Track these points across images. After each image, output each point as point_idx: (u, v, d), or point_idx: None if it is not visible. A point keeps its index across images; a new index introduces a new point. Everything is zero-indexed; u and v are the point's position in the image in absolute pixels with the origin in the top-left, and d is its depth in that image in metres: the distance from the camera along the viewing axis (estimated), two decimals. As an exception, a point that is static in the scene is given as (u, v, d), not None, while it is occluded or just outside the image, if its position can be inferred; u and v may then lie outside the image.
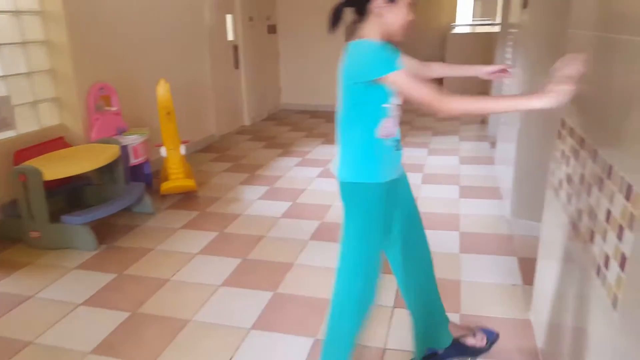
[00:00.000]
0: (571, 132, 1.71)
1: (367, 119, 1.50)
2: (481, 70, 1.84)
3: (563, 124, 1.83)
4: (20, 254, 2.94)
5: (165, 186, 3.72)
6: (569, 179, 1.69)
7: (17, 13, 3.28)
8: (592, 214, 1.39)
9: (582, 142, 1.56)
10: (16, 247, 3.02)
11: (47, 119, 3.55)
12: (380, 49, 1.41)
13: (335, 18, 1.51)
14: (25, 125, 3.36)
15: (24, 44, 3.34)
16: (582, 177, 1.53)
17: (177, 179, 3.74)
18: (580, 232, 1.49)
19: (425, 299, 1.85)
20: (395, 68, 1.35)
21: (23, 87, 3.36)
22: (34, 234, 2.95)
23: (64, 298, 2.46)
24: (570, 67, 1.21)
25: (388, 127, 1.52)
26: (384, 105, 1.48)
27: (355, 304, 1.69)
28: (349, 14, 1.52)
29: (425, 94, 1.33)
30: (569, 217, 1.64)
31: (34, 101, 3.43)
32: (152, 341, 2.11)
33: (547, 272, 1.95)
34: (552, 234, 1.92)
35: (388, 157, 1.56)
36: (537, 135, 3.00)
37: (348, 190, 1.58)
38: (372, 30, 1.48)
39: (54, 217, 2.97)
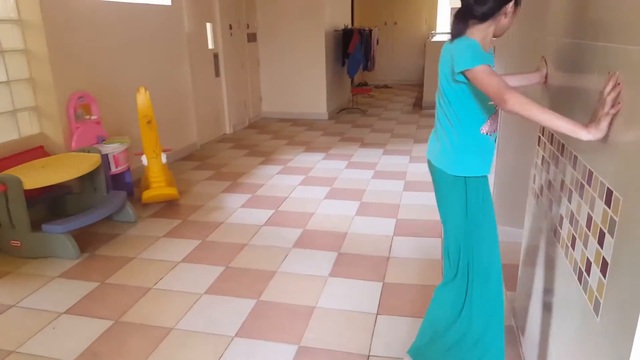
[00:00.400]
0: (551, 138, 1.74)
1: (475, 116, 1.56)
2: (535, 77, 1.87)
3: (543, 129, 1.86)
4: (0, 263, 2.92)
5: (147, 195, 3.73)
6: (550, 185, 1.71)
7: (-4, 22, 3.27)
8: (573, 220, 1.40)
9: (562, 148, 1.58)
10: (-3, 256, 3.00)
11: (27, 128, 3.53)
12: (476, 45, 1.47)
13: (462, 23, 1.53)
14: (5, 134, 3.34)
15: (2, 52, 3.33)
16: (562, 183, 1.54)
17: (158, 188, 3.75)
18: (562, 238, 1.51)
19: None
20: (481, 62, 1.42)
21: (2, 96, 3.34)
22: (14, 243, 2.94)
23: (46, 307, 2.46)
24: (615, 90, 1.13)
25: (492, 123, 1.59)
26: (490, 104, 1.54)
27: (500, 310, 1.69)
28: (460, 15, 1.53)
29: (498, 86, 1.38)
30: (550, 223, 1.66)
31: (14, 110, 3.41)
32: (135, 350, 2.13)
33: (530, 278, 1.97)
34: (533, 240, 1.94)
35: (490, 152, 1.64)
36: (516, 142, 3.06)
37: (455, 184, 1.62)
38: (479, 32, 1.53)
39: (35, 226, 2.96)
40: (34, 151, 3.41)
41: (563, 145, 1.57)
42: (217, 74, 6.23)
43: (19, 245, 2.93)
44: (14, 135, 3.41)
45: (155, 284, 2.67)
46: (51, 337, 2.23)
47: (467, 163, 1.61)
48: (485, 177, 1.65)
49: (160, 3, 4.90)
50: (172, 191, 3.78)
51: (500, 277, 1.69)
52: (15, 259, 2.96)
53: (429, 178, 4.74)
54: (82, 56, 3.80)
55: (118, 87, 4.21)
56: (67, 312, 2.42)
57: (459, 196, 1.62)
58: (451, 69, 1.52)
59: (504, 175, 3.19)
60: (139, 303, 2.49)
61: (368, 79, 10.44)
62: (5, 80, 3.35)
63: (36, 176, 2.93)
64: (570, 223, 1.43)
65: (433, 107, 6.75)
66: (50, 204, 3.46)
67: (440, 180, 1.70)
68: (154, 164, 3.74)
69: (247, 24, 6.98)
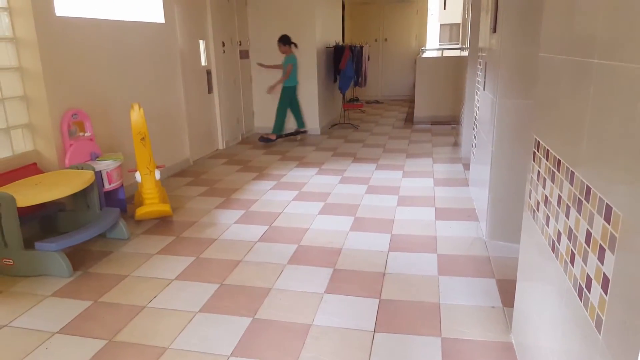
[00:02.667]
0: (546, 153, 1.73)
1: None
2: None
3: (538, 145, 1.88)
4: (-9, 283, 2.89)
5: (140, 211, 3.72)
6: (546, 201, 1.71)
7: (-10, 40, 3.28)
8: (572, 235, 1.39)
9: (558, 163, 1.58)
10: (-13, 275, 2.97)
11: (20, 145, 3.52)
12: None
13: None
14: (-3, 151, 3.33)
15: (-4, 70, 3.33)
16: (559, 199, 1.54)
17: (152, 204, 3.74)
18: (560, 254, 1.51)
19: None
20: None
21: (-5, 114, 3.33)
22: (6, 262, 2.90)
23: (39, 327, 2.43)
24: None
25: None
26: None
27: None
28: None
29: None
30: (548, 238, 1.66)
31: (7, 127, 3.40)
32: (131, 369, 2.11)
33: (527, 294, 1.97)
34: (530, 255, 1.95)
35: None
36: (511, 157, 3.10)
37: None
38: None
39: (28, 244, 2.93)
40: (27, 168, 3.39)
41: (559, 161, 1.58)
42: (210, 90, 6.26)
43: (12, 263, 2.90)
44: (7, 152, 3.40)
45: (149, 303, 2.65)
46: (44, 357, 2.20)
47: None
48: None
49: (154, 21, 4.94)
50: (165, 208, 3.78)
51: None
52: (7, 278, 2.92)
53: (422, 193, 4.77)
54: (76, 73, 3.82)
55: (112, 104, 4.22)
56: (60, 331, 2.39)
57: None
58: None
59: (499, 190, 3.22)
60: (133, 322, 2.47)
61: (359, 95, 10.54)
62: (-2, 97, 3.35)
63: (29, 193, 2.91)
64: (569, 239, 1.43)
65: (424, 122, 6.78)
66: (43, 221, 3.44)
67: None
68: (147, 180, 3.74)
69: (240, 41, 7.05)
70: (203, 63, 6.08)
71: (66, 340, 2.32)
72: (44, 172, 3.46)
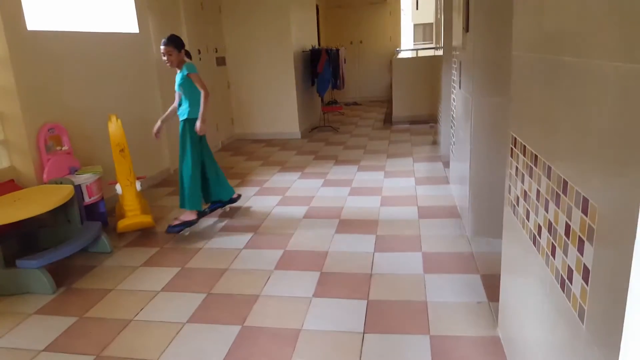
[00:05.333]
0: (523, 149, 1.77)
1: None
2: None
3: (515, 141, 1.91)
4: (-30, 305, 2.82)
5: (122, 224, 3.67)
6: (525, 195, 1.74)
7: (-40, 56, 3.20)
8: (552, 229, 1.42)
9: (535, 158, 1.61)
10: (-35, 297, 2.89)
11: (-4, 164, 3.45)
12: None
13: None
14: (-28, 169, 3.26)
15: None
16: (538, 193, 1.57)
17: (133, 216, 3.70)
18: (542, 247, 1.53)
19: None
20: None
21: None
22: (-14, 282, 2.84)
23: (24, 345, 2.38)
24: None
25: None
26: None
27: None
28: None
29: None
30: (529, 232, 1.69)
31: (-19, 144, 3.34)
32: (121, 384, 2.09)
33: (512, 288, 2.00)
34: (513, 249, 1.98)
35: None
36: (489, 154, 3.16)
37: None
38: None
39: (9, 262, 2.87)
40: (4, 185, 3.32)
41: (536, 156, 1.61)
42: (188, 98, 6.21)
43: (-9, 283, 2.84)
44: (-19, 170, 3.33)
45: (135, 316, 2.63)
46: (30, 377, 2.16)
47: None
48: None
49: (129, 31, 4.89)
50: (147, 219, 3.74)
51: None
52: (-12, 298, 2.86)
53: (405, 192, 4.80)
54: (51, 87, 3.76)
55: (89, 117, 4.17)
56: (46, 349, 2.35)
57: None
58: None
59: (480, 186, 3.27)
60: (120, 336, 2.44)
61: (338, 97, 10.60)
62: (-29, 114, 3.27)
63: (8, 211, 2.85)
64: (549, 232, 1.46)
65: (403, 122, 6.84)
66: (23, 238, 3.37)
67: None
68: (128, 192, 3.70)
69: (216, 48, 7.02)
70: (180, 71, 6.03)
71: (53, 358, 2.28)
72: (22, 189, 3.39)
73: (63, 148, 3.76)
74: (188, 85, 3.78)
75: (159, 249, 3.51)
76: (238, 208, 4.32)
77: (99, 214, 3.87)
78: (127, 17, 4.91)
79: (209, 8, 6.79)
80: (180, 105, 3.85)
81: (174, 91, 3.86)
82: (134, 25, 4.97)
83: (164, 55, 3.68)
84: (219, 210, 4.23)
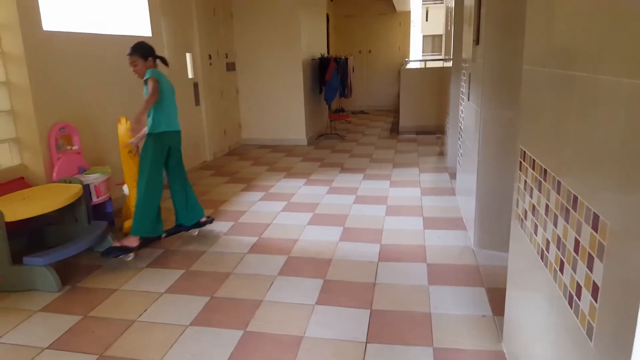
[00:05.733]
0: (532, 163, 1.76)
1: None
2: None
3: (524, 155, 1.91)
4: (-23, 299, 2.84)
5: (128, 224, 3.68)
6: (534, 210, 1.72)
7: (-24, 53, 3.26)
8: (560, 244, 1.40)
9: (544, 173, 1.60)
10: (-28, 292, 2.92)
11: (7, 159, 3.48)
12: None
13: None
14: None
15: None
16: (547, 207, 1.55)
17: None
18: (549, 262, 1.51)
19: None
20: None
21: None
22: (-6, 277, 2.86)
23: (28, 342, 2.40)
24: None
25: None
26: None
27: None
28: None
29: None
30: (536, 247, 1.67)
31: (-9, 142, 3.38)
32: (123, 384, 2.09)
33: (518, 303, 1.99)
34: (520, 264, 1.96)
35: None
36: (497, 166, 3.16)
37: None
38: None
39: (16, 259, 2.89)
40: (14, 182, 3.36)
41: (545, 170, 1.61)
42: (197, 102, 6.27)
43: (0, 279, 2.86)
44: (-9, 167, 3.37)
45: (139, 316, 2.64)
46: (34, 374, 2.17)
47: None
48: None
49: (142, 34, 4.95)
50: None
51: None
52: (-5, 294, 2.88)
53: (410, 202, 4.78)
54: (64, 87, 3.80)
55: (99, 117, 4.21)
56: (49, 347, 2.36)
57: None
58: None
59: (486, 199, 3.27)
60: (124, 336, 2.45)
61: (345, 105, 10.64)
62: (-17, 112, 3.32)
63: (17, 208, 2.88)
64: (557, 247, 1.45)
65: (410, 132, 6.83)
66: (31, 235, 3.40)
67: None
68: (134, 193, 3.72)
69: (226, 54, 7.08)
70: (190, 76, 6.10)
71: (56, 356, 2.29)
72: (31, 186, 3.43)
73: (73, 147, 3.80)
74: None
75: (164, 251, 3.53)
76: (243, 212, 4.33)
77: (106, 213, 3.89)
78: (140, 20, 4.97)
79: (221, 14, 6.86)
80: (148, 116, 3.40)
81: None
82: (147, 29, 5.03)
83: (130, 66, 3.40)
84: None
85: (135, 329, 2.53)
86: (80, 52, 4.00)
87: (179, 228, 3.76)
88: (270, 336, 2.42)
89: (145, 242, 3.55)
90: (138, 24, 4.94)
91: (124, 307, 2.74)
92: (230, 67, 7.26)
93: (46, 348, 2.36)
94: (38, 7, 3.52)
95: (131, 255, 3.36)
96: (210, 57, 6.50)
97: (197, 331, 2.49)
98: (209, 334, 2.46)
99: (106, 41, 4.36)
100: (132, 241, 3.36)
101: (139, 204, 3.35)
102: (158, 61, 3.47)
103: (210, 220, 3.94)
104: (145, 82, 3.30)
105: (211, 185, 5.32)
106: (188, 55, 6.04)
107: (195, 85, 6.20)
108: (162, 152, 3.41)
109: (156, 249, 3.56)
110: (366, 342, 2.35)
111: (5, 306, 2.76)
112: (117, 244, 3.33)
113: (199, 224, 3.84)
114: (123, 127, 3.67)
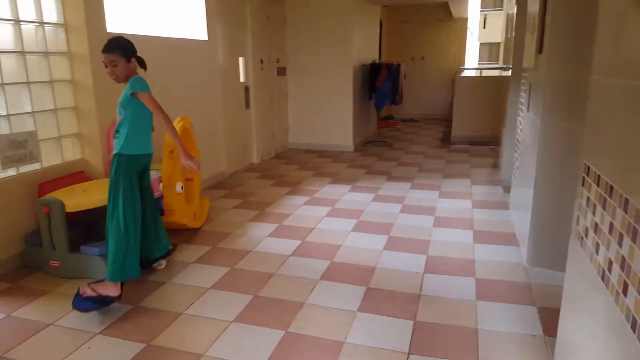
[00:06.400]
0: (597, 179, 1.68)
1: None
2: None
3: (587, 170, 1.81)
4: (40, 282, 3.02)
5: (171, 219, 3.74)
6: (596, 228, 1.63)
7: (46, 54, 3.46)
8: (625, 265, 1.33)
9: (610, 190, 1.52)
10: (37, 275, 3.11)
11: (70, 153, 3.68)
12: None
13: None
14: (49, 158, 3.49)
15: (51, 82, 3.52)
16: (611, 226, 1.48)
17: (171, 215, 3.74)
18: (611, 284, 1.44)
19: None
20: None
21: (49, 123, 3.51)
22: (54, 263, 3.03)
23: (82, 327, 2.52)
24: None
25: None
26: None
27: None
28: None
29: None
30: (597, 267, 1.59)
31: (59, 136, 3.58)
32: (167, 375, 2.15)
33: (572, 325, 1.89)
34: (577, 284, 1.87)
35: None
36: (555, 181, 3.02)
37: None
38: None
39: (74, 248, 3.05)
40: (75, 176, 3.55)
41: (612, 187, 1.52)
42: (247, 106, 6.40)
43: (58, 265, 3.03)
44: (58, 160, 3.56)
45: (186, 309, 2.71)
46: (86, 357, 2.28)
47: None
48: None
49: (198, 38, 5.12)
50: (182, 220, 3.77)
51: None
52: (54, 279, 3.05)
53: (460, 215, 4.65)
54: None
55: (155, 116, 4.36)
56: (101, 332, 2.47)
57: None
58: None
59: (543, 214, 3.13)
60: (170, 327, 2.53)
61: (394, 113, 10.55)
62: (52, 108, 3.52)
63: (77, 199, 3.04)
64: (621, 268, 1.38)
65: (462, 142, 6.63)
66: (88, 226, 3.56)
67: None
68: (167, 192, 3.78)
69: (278, 59, 7.20)
70: (242, 79, 6.23)
71: (107, 341, 2.40)
72: (91, 180, 3.60)
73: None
74: (132, 107, 2.74)
75: (211, 248, 3.61)
76: (287, 215, 4.37)
77: (159, 209, 4.01)
78: (197, 24, 5.14)
79: (274, 19, 6.99)
80: (116, 132, 2.79)
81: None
82: (203, 33, 5.19)
83: (107, 66, 2.71)
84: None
85: (182, 321, 2.60)
86: (140, 53, 4.16)
87: (169, 250, 3.24)
88: (311, 339, 2.42)
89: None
90: (195, 28, 5.11)
91: (172, 299, 2.83)
92: (281, 71, 7.37)
93: (98, 333, 2.47)
94: (103, 10, 3.71)
95: (115, 296, 2.69)
96: (261, 62, 6.63)
97: (241, 327, 2.52)
98: (252, 331, 2.49)
99: (165, 43, 4.53)
100: (112, 289, 2.67)
101: (118, 243, 2.69)
102: (134, 61, 2.83)
103: (174, 249, 3.41)
104: (129, 96, 2.73)
105: (257, 187, 5.41)
106: (241, 60, 6.18)
107: (246, 88, 6.34)
108: (136, 175, 2.82)
109: (203, 245, 3.65)
110: (408, 353, 2.30)
111: (62, 291, 2.92)
112: (91, 293, 2.63)
113: (167, 254, 3.25)
114: (175, 128, 3.77)
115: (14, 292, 2.92)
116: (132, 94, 2.72)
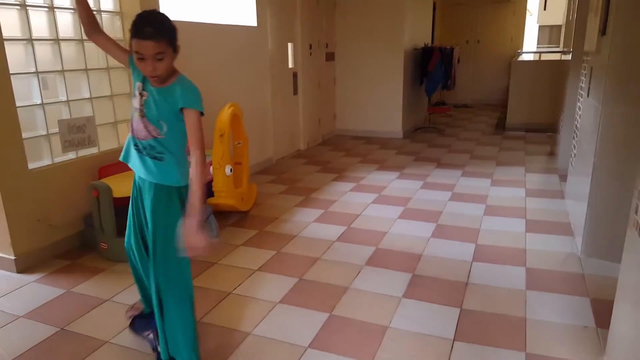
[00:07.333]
0: None
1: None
2: None
3: None
4: (98, 261, 3.20)
5: (217, 201, 3.83)
6: None
7: (106, 41, 3.62)
8: None
9: None
10: (93, 254, 3.29)
11: (125, 138, 3.84)
12: None
13: None
14: (106, 143, 3.67)
15: (108, 69, 3.67)
16: None
17: (219, 197, 3.80)
18: None
19: None
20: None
21: (106, 108, 3.68)
22: (102, 245, 3.19)
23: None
24: None
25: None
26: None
27: None
28: None
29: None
30: None
31: (115, 122, 3.75)
32: (215, 350, 2.23)
33: (627, 317, 1.83)
34: (633, 276, 1.81)
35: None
36: (614, 169, 2.88)
37: None
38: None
39: (121, 232, 3.19)
40: (122, 163, 3.68)
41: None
42: (295, 92, 6.43)
43: (106, 247, 3.18)
44: (114, 144, 3.74)
45: (234, 289, 2.79)
46: (139, 332, 2.39)
47: None
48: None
49: (248, 24, 5.18)
50: (230, 201, 3.81)
51: None
52: (106, 260, 3.21)
53: (512, 203, 4.50)
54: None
55: (206, 103, 4.47)
56: (153, 310, 2.59)
57: None
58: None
59: (600, 204, 2.98)
60: (219, 306, 2.61)
61: (446, 98, 10.26)
62: (109, 94, 3.69)
63: (124, 186, 3.17)
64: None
65: (517, 129, 6.37)
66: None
67: None
68: (217, 174, 3.87)
69: (327, 44, 7.16)
70: (290, 65, 6.26)
71: (158, 318, 2.50)
72: (141, 165, 3.74)
73: (182, 129, 4.08)
74: (181, 124, 1.91)
75: (258, 232, 3.68)
76: (333, 201, 4.37)
77: (209, 193, 4.14)
78: (247, 10, 5.19)
79: (324, 3, 6.94)
80: (143, 148, 2.00)
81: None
82: (252, 19, 5.24)
83: (145, 59, 1.79)
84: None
85: (230, 300, 2.68)
86: (191, 40, 4.28)
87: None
88: (356, 322, 2.43)
89: None
90: (245, 14, 5.17)
91: (221, 279, 2.92)
92: (330, 57, 7.33)
93: (151, 309, 2.58)
94: (159, -2, 3.83)
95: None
96: (310, 47, 6.62)
97: (286, 309, 2.57)
98: (297, 312, 2.53)
99: (215, 30, 4.62)
100: None
101: (188, 316, 2.04)
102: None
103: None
104: (178, 111, 1.90)
105: (303, 173, 5.44)
106: (290, 45, 6.20)
107: (295, 74, 6.36)
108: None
109: (251, 229, 3.73)
110: (454, 340, 2.26)
111: (117, 269, 3.07)
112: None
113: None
114: (225, 112, 3.85)
115: (73, 269, 3.10)
116: (182, 110, 1.89)
